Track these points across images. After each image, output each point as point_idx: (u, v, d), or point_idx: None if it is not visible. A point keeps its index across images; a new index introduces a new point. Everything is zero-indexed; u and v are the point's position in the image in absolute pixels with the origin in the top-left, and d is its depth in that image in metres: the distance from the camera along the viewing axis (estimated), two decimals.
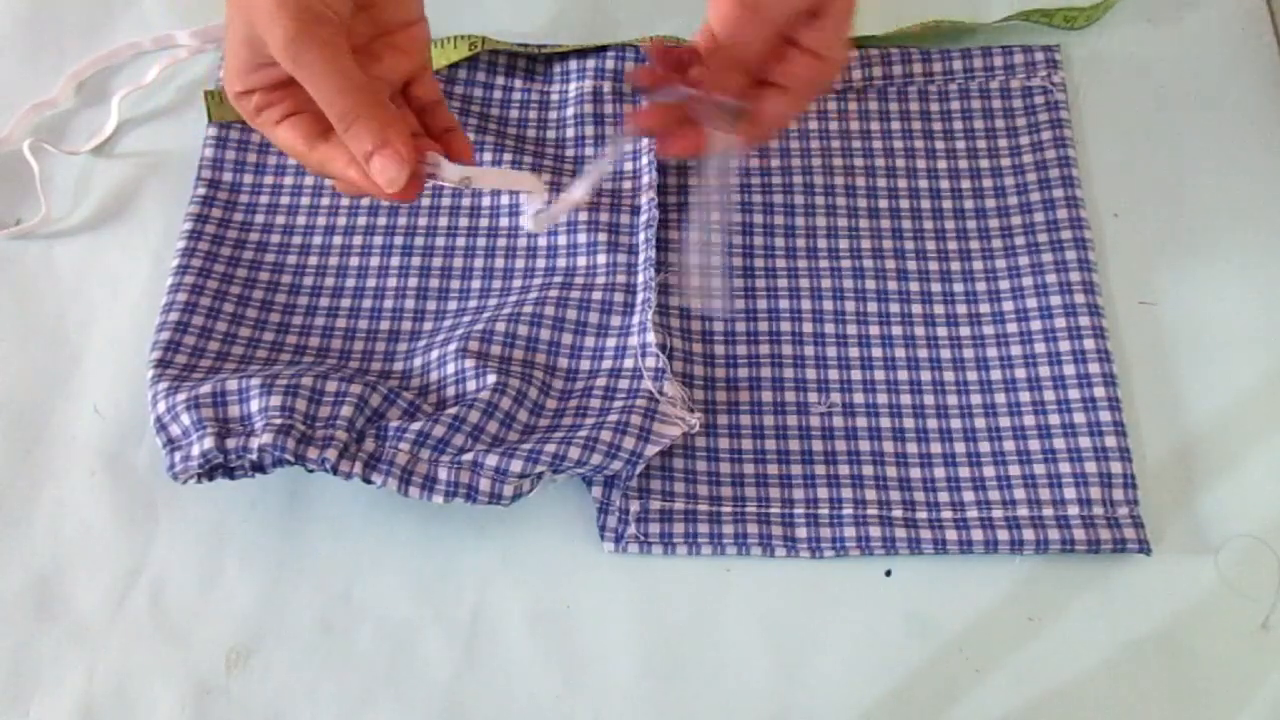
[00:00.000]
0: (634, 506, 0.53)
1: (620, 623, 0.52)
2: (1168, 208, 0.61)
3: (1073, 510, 0.52)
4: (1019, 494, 0.53)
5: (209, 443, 0.51)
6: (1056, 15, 0.65)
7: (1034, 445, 0.54)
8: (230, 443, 0.51)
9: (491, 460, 0.51)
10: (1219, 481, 0.54)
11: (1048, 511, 0.52)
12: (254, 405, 0.52)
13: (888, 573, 0.53)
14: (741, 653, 0.51)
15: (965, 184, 0.60)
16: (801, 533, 0.53)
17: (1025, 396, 0.55)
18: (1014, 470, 0.53)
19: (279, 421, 0.51)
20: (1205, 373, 0.56)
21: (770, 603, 0.52)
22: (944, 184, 0.60)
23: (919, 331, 0.57)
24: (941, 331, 0.57)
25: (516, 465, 0.51)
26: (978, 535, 0.51)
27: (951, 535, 0.51)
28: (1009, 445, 0.54)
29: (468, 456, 0.51)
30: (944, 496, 0.53)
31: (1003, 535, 0.51)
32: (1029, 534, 0.51)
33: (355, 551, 0.54)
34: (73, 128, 0.65)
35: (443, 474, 0.51)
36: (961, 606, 0.52)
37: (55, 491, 0.56)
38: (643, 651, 0.52)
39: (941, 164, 0.61)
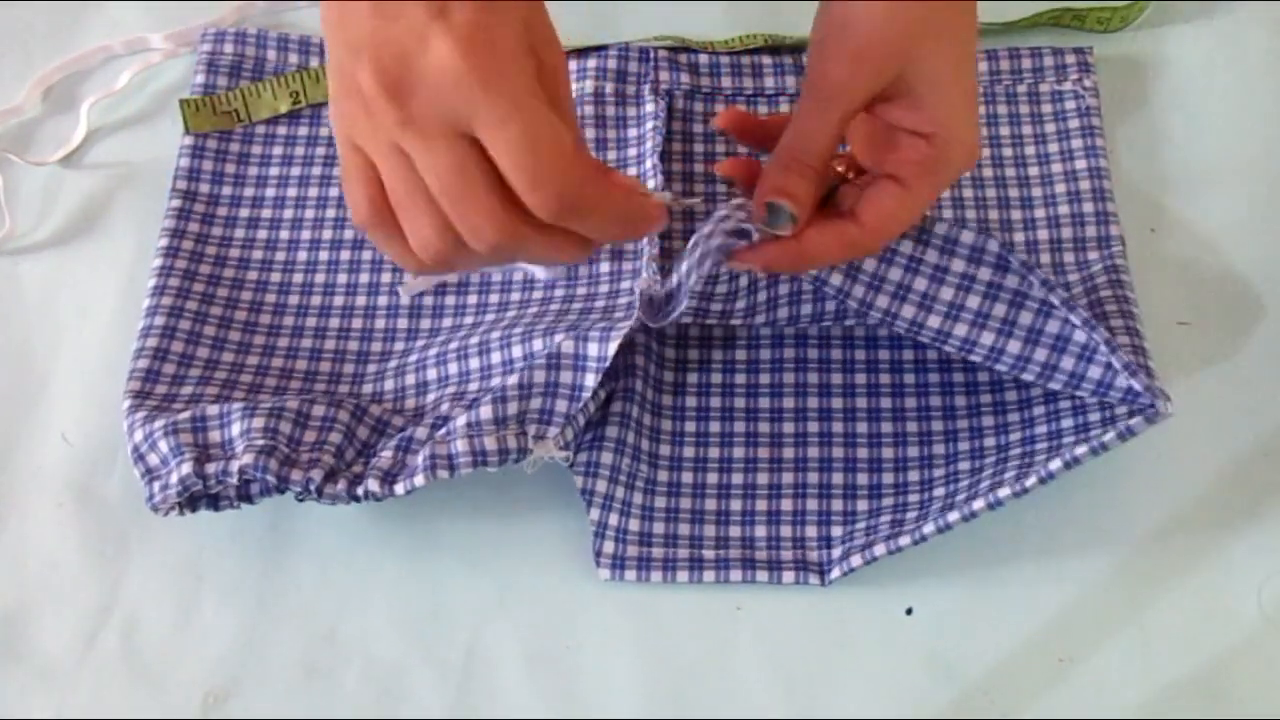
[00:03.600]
0: (633, 525, 0.55)
1: (624, 665, 0.53)
2: (1207, 222, 0.61)
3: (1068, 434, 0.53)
4: (1022, 457, 0.53)
5: (187, 468, 0.52)
6: (1089, 17, 0.66)
7: (1040, 429, 0.54)
8: (210, 468, 0.52)
9: (460, 418, 0.52)
10: (1263, 513, 0.55)
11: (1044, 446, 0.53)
12: (235, 429, 0.53)
13: (908, 610, 0.54)
14: (753, 697, 0.52)
15: (990, 193, 0.62)
16: (811, 531, 0.54)
17: (1039, 412, 0.56)
18: (1016, 449, 0.54)
19: (261, 443, 0.52)
20: (1246, 397, 0.57)
21: (783, 643, 0.53)
22: (967, 193, 0.62)
23: (931, 354, 0.58)
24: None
25: (486, 411, 0.52)
26: (979, 505, 0.51)
27: (953, 516, 0.51)
28: (1015, 436, 0.55)
29: (440, 432, 0.52)
30: (940, 491, 0.54)
31: (1004, 492, 0.51)
32: (1030, 479, 0.50)
33: (341, 587, 0.55)
34: (39, 137, 0.66)
35: (419, 459, 0.52)
36: (987, 647, 0.53)
37: (21, 524, 0.57)
38: (648, 695, 0.52)
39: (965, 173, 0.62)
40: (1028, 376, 0.52)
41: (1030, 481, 0.50)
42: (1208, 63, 0.66)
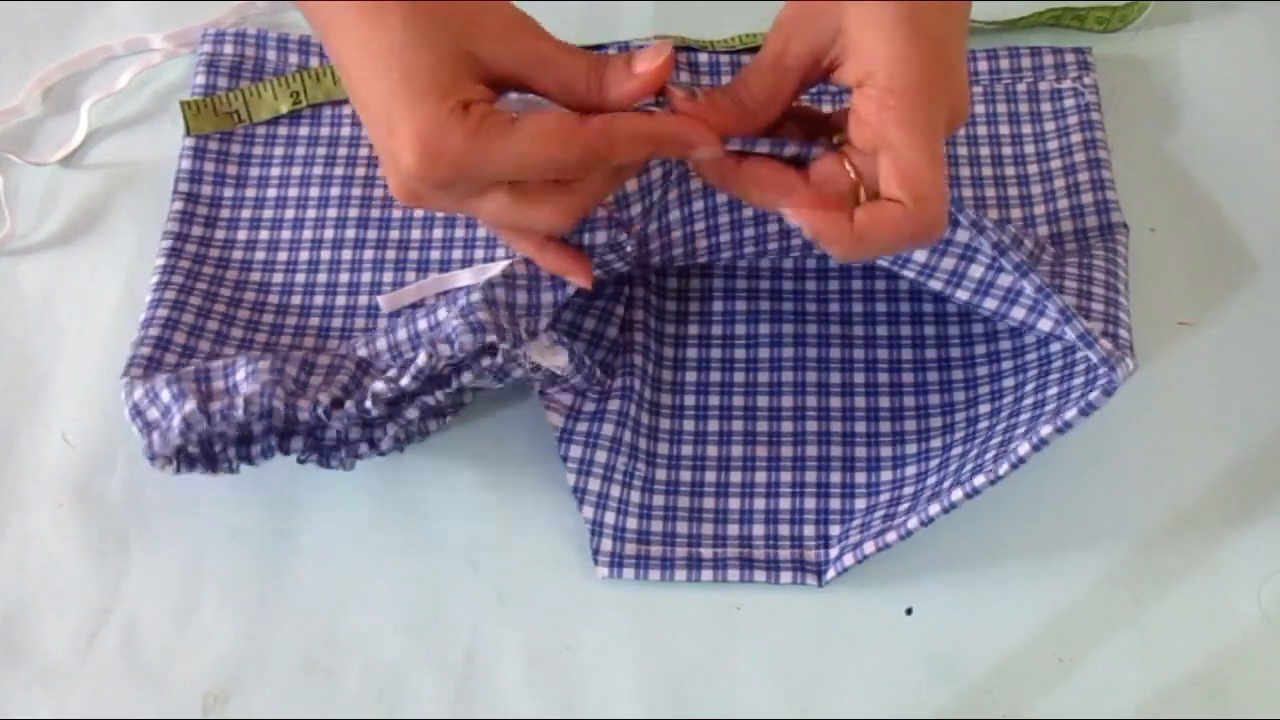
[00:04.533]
0: (631, 523, 0.55)
1: (624, 665, 0.53)
2: (1207, 221, 0.62)
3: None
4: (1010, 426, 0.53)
5: (190, 405, 0.51)
6: (1089, 17, 0.66)
7: (1025, 417, 0.54)
8: (214, 405, 0.51)
9: (451, 311, 0.53)
10: (1261, 512, 0.55)
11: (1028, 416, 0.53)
12: (240, 374, 0.53)
13: (908, 611, 0.54)
14: (753, 697, 0.53)
15: (989, 192, 0.62)
16: (809, 530, 0.55)
17: (1030, 388, 0.56)
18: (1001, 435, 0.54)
19: (267, 376, 0.52)
20: (1244, 398, 0.57)
21: (782, 643, 0.54)
22: (967, 192, 0.62)
23: (930, 354, 0.59)
24: (955, 353, 0.59)
25: (475, 295, 0.52)
26: (957, 495, 0.51)
27: (957, 494, 0.51)
28: (1005, 414, 0.55)
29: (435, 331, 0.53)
30: (932, 480, 0.55)
31: (979, 480, 0.51)
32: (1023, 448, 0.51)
33: (341, 586, 0.55)
34: (39, 137, 0.67)
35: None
36: (987, 647, 0.53)
37: (21, 525, 0.57)
38: (648, 695, 0.53)
39: (964, 171, 0.63)
40: (984, 311, 0.53)
41: (1003, 469, 0.50)
42: (1208, 63, 0.66)
